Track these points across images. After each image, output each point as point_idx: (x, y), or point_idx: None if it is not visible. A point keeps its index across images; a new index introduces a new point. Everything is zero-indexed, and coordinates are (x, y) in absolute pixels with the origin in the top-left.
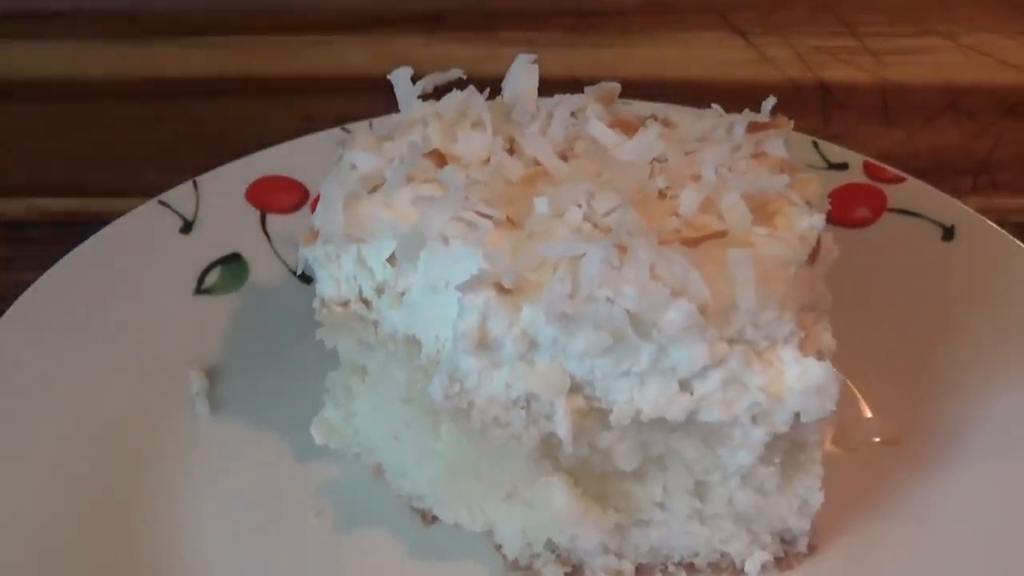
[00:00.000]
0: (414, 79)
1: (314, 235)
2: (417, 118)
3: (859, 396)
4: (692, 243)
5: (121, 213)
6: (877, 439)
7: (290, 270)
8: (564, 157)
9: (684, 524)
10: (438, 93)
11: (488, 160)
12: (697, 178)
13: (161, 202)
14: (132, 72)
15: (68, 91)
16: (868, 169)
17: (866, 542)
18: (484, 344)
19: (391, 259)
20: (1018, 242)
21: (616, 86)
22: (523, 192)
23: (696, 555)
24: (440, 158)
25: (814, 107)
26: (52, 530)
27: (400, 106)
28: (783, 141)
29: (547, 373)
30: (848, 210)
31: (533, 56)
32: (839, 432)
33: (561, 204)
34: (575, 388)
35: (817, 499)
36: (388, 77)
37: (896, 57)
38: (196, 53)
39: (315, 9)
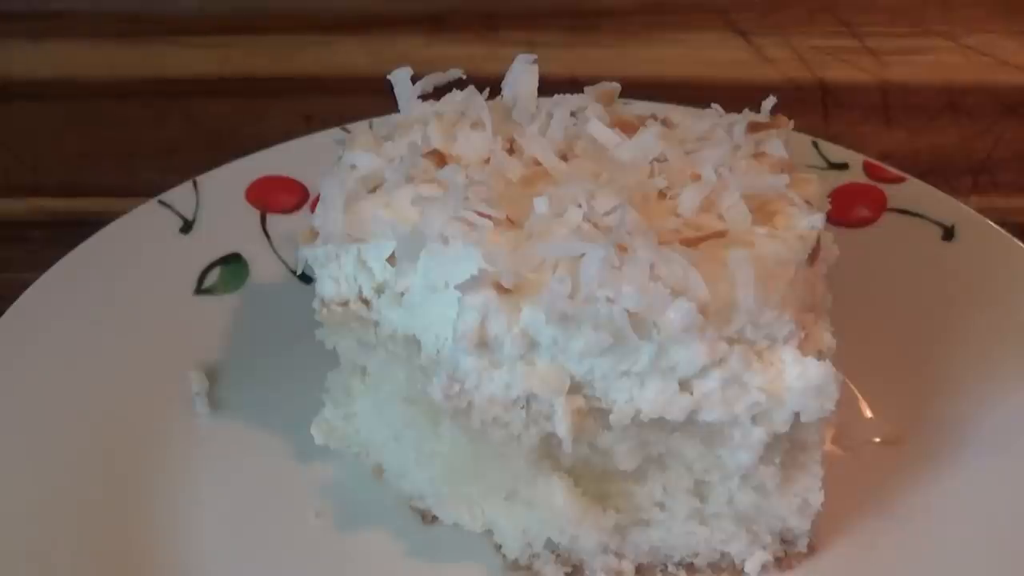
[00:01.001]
0: (414, 79)
1: (314, 235)
2: (417, 118)
3: (859, 396)
4: (692, 243)
5: (121, 213)
6: (877, 439)
7: (290, 270)
8: (564, 157)
9: (684, 524)
10: (438, 93)
11: (488, 160)
12: (697, 178)
13: (161, 202)
14: (132, 72)
15: (68, 91)
16: (868, 169)
17: (866, 542)
18: (484, 344)
19: (391, 259)
20: (1018, 242)
21: (616, 86)
22: (523, 192)
23: (696, 555)
24: (440, 158)
25: (814, 107)
26: (52, 530)
27: (400, 106)
28: (783, 141)
29: (547, 373)
30: (848, 210)
31: (533, 56)
32: (839, 432)
33: (561, 204)
34: (575, 388)
35: (817, 499)
36: (388, 77)
37: (896, 57)
38: (196, 53)
39: (315, 9)
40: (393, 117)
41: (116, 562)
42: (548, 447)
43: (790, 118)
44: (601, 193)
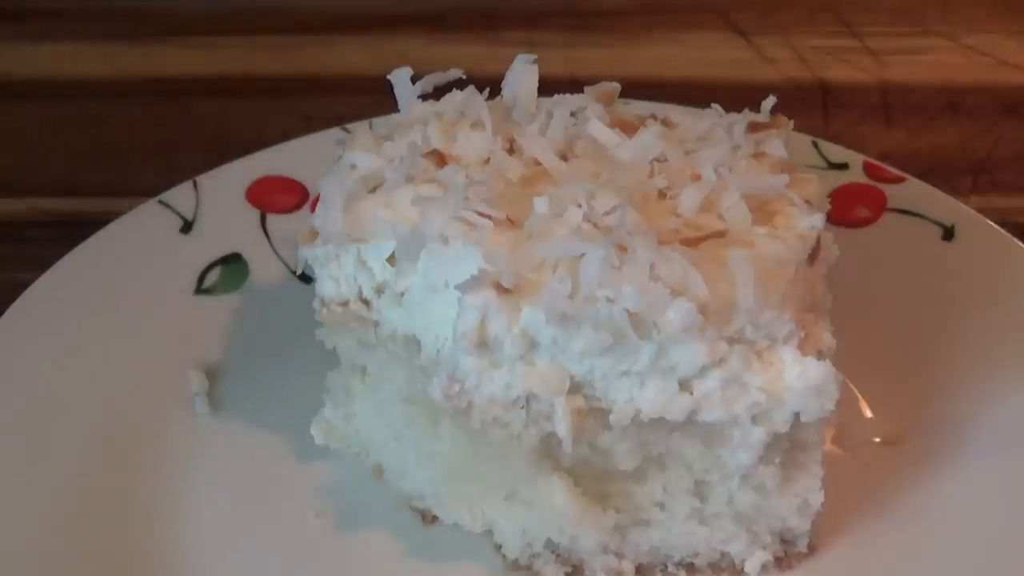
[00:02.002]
0: (414, 79)
1: (314, 235)
2: (417, 118)
3: (859, 396)
4: (692, 243)
5: (121, 213)
6: (877, 439)
7: (290, 270)
8: (564, 157)
9: (684, 524)
10: (438, 93)
11: (488, 160)
12: (697, 178)
13: (161, 202)
14: (132, 72)
15: (67, 91)
16: (868, 169)
17: (866, 542)
18: (484, 344)
19: (391, 259)
20: (1018, 242)
21: (616, 86)
22: (523, 192)
23: (696, 555)
24: (440, 158)
25: (814, 107)
26: (51, 530)
27: (400, 106)
28: (783, 141)
29: (547, 373)
30: (848, 210)
31: (533, 56)
32: (839, 432)
33: (561, 204)
34: (575, 388)
35: (817, 499)
36: (388, 77)
37: (896, 57)
38: (196, 53)
39: (315, 9)
40: (393, 117)
41: (116, 562)
42: (548, 447)
43: (790, 118)
44: (601, 193)
